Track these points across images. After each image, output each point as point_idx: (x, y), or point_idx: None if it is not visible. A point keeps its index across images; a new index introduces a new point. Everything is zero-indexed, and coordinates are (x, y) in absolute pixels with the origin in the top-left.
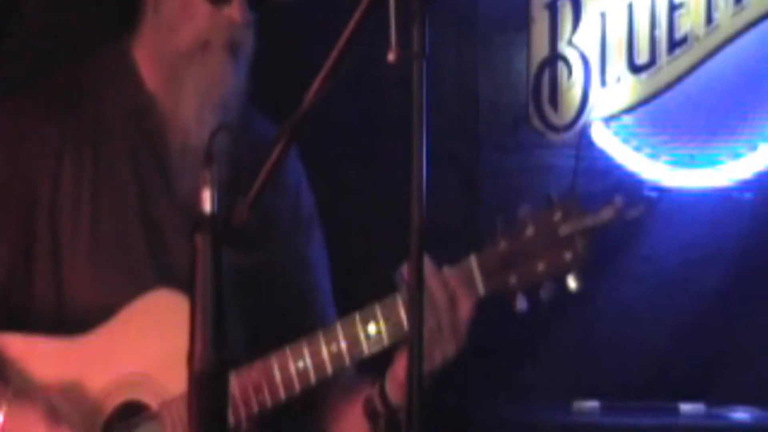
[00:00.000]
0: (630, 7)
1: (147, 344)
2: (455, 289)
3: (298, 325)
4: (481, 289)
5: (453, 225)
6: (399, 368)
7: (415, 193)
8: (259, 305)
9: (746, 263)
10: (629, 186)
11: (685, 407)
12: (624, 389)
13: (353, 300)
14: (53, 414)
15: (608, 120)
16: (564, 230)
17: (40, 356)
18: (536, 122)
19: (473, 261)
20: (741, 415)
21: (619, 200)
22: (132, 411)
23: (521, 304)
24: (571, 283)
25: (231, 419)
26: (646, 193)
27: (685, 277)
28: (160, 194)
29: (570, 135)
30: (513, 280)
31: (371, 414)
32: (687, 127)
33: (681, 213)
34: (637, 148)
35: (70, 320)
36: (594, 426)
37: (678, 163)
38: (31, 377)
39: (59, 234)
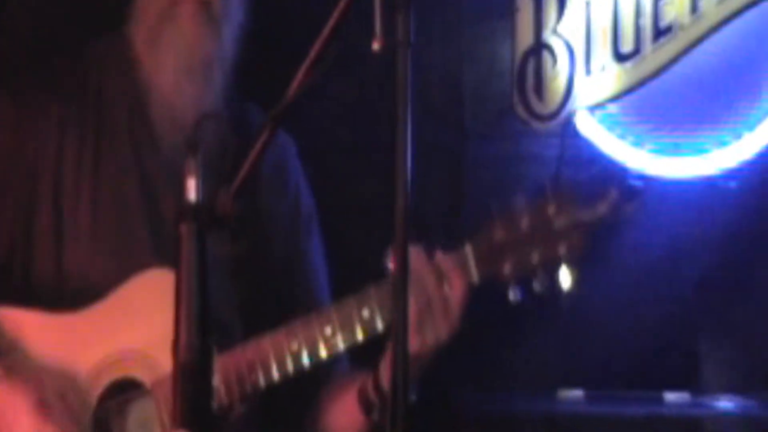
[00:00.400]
0: None
1: (142, 322)
2: (448, 271)
3: (295, 318)
4: (474, 275)
5: (438, 214)
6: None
7: (400, 182)
8: (257, 296)
9: (731, 252)
10: (614, 174)
11: (670, 396)
12: (609, 378)
13: (338, 289)
14: (41, 404)
15: (593, 109)
16: (559, 223)
17: (37, 331)
18: (521, 111)
19: (468, 247)
20: (726, 404)
21: (614, 194)
22: (125, 388)
23: (515, 294)
24: (565, 280)
25: (224, 399)
26: (631, 181)
27: (670, 265)
28: (158, 172)
29: (555, 124)
30: (507, 268)
31: (365, 404)
32: (672, 116)
33: (666, 202)
34: (622, 137)
35: (70, 296)
36: (579, 415)
37: (663, 151)
38: (26, 352)
39: (61, 211)
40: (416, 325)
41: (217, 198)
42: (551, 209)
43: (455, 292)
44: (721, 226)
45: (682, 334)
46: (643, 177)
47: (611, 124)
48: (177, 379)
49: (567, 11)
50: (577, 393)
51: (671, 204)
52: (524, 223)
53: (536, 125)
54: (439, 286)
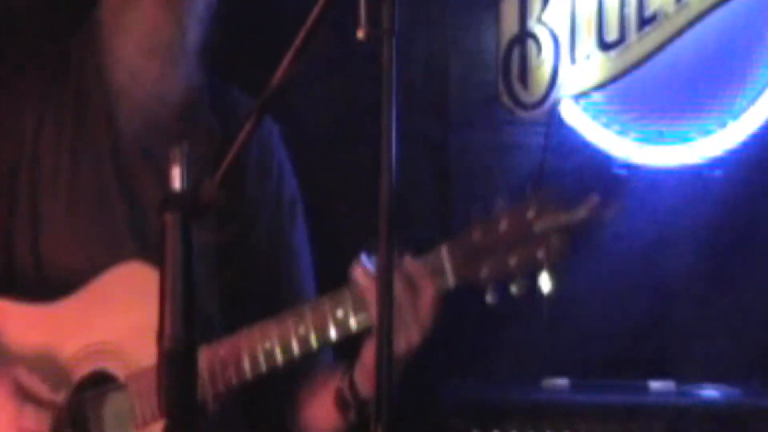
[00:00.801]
0: None
1: (119, 315)
2: (420, 277)
3: (277, 308)
4: (450, 278)
5: (423, 203)
6: (366, 357)
7: (386, 172)
8: (239, 285)
9: (715, 241)
10: (599, 163)
11: (655, 384)
12: (594, 367)
13: (325, 279)
14: (19, 392)
15: (578, 97)
16: (538, 227)
17: (16, 320)
18: (506, 100)
19: (443, 250)
20: (710, 392)
21: (594, 199)
22: (100, 380)
23: (492, 297)
24: (544, 285)
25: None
26: (616, 170)
27: (655, 254)
28: (133, 158)
29: (540, 112)
30: (484, 272)
31: (342, 405)
32: (656, 104)
33: (651, 190)
34: (607, 125)
35: (50, 285)
36: (563, 404)
37: (647, 140)
38: (5, 340)
39: (39, 200)
40: None
41: (202, 186)
42: (531, 213)
43: (425, 298)
44: (705, 214)
45: (666, 323)
46: (627, 165)
47: (596, 112)
48: (160, 369)
49: (552, 0)
50: (561, 382)
51: (656, 192)
52: (502, 226)
53: (521, 114)
54: (410, 292)
